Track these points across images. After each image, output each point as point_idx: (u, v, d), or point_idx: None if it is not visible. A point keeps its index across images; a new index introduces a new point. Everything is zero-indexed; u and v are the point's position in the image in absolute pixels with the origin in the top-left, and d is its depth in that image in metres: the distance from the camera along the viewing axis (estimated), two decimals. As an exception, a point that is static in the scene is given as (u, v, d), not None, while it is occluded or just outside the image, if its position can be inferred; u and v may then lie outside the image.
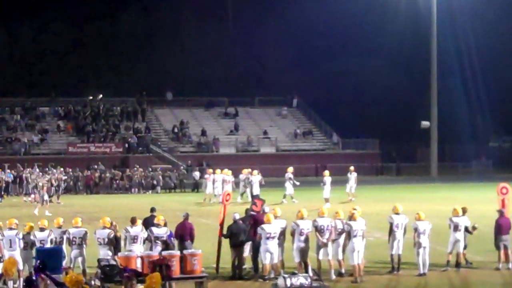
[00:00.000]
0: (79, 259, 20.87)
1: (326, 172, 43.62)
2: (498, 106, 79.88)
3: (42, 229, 20.75)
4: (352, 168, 46.43)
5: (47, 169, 52.27)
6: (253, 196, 43.46)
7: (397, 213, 22.38)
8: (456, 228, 22.46)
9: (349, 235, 21.35)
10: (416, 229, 21.95)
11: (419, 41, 77.06)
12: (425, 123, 73.81)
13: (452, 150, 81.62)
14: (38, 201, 42.42)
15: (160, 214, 22.26)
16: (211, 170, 48.10)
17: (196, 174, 57.35)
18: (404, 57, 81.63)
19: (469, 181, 62.13)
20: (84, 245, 20.99)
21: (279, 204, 39.29)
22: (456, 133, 78.64)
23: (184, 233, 21.98)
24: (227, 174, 45.44)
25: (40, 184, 44.00)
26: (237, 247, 22.00)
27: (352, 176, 45.52)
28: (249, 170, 45.56)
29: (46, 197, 41.59)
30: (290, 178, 44.40)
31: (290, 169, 45.37)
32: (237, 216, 22.44)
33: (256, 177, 44.39)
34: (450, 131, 78.39)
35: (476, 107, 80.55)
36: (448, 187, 57.26)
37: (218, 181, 45.26)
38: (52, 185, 46.99)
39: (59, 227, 21.12)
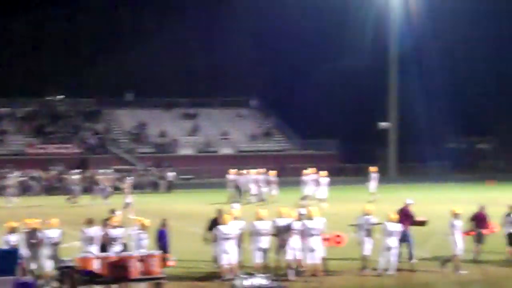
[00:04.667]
0: (47, 261, 20.53)
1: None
2: (455, 108, 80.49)
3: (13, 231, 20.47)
4: (372, 168, 47.63)
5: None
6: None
7: (367, 214, 22.55)
8: (390, 234, 21.92)
9: (305, 234, 21.32)
10: (384, 230, 21.97)
11: (378, 43, 77.48)
12: (383, 124, 74.40)
13: (411, 151, 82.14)
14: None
15: (115, 216, 22.09)
16: (234, 171, 47.84)
17: (170, 174, 57.30)
18: (364, 58, 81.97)
19: (427, 181, 62.69)
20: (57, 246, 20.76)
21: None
22: (415, 134, 79.09)
23: None
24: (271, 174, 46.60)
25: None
26: None
27: (372, 176, 46.65)
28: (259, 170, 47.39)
29: (129, 199, 38.37)
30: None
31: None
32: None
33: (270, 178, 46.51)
34: (410, 132, 78.85)
35: (434, 108, 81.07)
36: (406, 188, 57.63)
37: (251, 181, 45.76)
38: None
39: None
